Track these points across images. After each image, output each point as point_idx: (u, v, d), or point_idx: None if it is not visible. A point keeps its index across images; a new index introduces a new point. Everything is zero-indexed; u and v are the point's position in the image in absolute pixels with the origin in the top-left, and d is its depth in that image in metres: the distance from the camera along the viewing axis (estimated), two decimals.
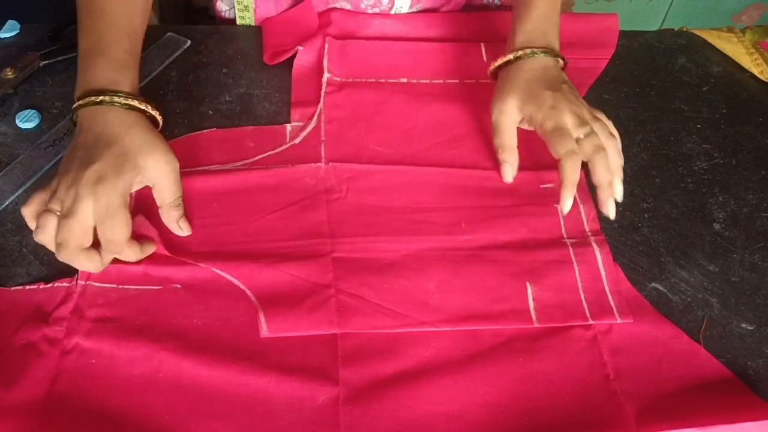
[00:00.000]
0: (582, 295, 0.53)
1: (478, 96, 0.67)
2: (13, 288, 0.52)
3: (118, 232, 0.49)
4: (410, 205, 0.58)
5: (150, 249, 0.53)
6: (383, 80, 0.68)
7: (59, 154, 0.60)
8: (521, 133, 0.60)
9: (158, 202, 0.53)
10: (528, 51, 0.60)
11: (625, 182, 0.61)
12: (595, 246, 0.56)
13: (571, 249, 0.56)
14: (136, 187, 0.52)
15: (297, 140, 0.62)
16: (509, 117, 0.58)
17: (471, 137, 0.64)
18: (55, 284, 0.52)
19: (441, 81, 0.69)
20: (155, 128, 0.54)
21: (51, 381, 0.47)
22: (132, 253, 0.51)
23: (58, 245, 0.48)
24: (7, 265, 0.53)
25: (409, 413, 0.47)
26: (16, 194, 0.57)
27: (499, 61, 0.61)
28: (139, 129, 0.52)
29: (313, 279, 0.53)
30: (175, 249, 0.54)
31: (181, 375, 0.47)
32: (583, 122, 0.55)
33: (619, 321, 0.51)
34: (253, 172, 0.59)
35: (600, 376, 0.49)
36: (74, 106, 0.53)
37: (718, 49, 0.75)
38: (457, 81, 0.69)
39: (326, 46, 0.69)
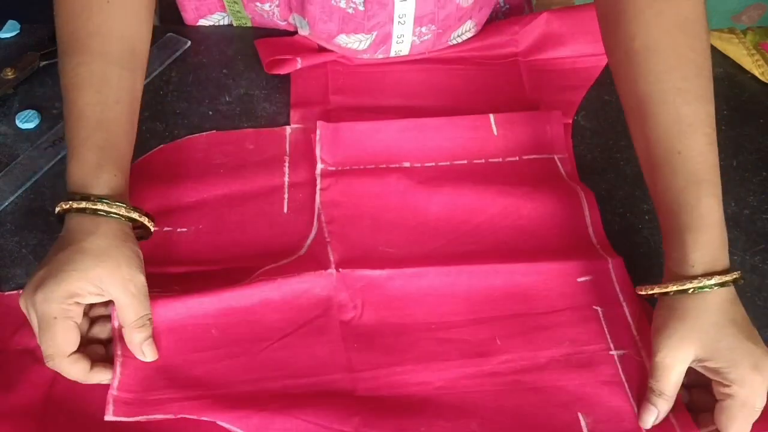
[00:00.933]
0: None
1: (490, 178, 0.60)
2: (7, 293, 0.52)
3: (49, 345, 0.44)
4: (434, 319, 0.51)
5: (105, 376, 0.46)
6: (383, 166, 0.61)
7: (59, 154, 0.60)
8: (545, 214, 0.57)
9: (120, 321, 0.47)
10: (714, 281, 0.45)
11: (626, 184, 0.61)
12: (645, 356, 0.49)
13: (619, 365, 0.49)
14: (91, 300, 0.46)
15: (302, 251, 0.55)
16: (681, 365, 0.45)
17: (490, 227, 0.57)
18: None
19: (448, 163, 0.61)
20: (128, 236, 0.48)
21: (49, 386, 0.47)
22: (75, 371, 0.45)
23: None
24: (6, 266, 0.53)
25: None
26: (16, 194, 0.57)
27: (673, 288, 0.47)
28: (100, 236, 0.46)
29: (336, 426, 0.45)
30: (171, 395, 0.47)
31: None
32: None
33: None
34: (255, 285, 0.51)
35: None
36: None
37: (719, 50, 0.75)
38: (466, 162, 0.62)
39: (317, 131, 0.61)
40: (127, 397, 0.46)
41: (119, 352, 0.47)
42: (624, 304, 0.52)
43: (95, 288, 0.45)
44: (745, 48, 0.75)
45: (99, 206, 0.46)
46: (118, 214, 0.47)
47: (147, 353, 0.47)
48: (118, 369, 0.46)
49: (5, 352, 0.48)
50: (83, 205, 0.46)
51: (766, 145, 0.65)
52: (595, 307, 0.52)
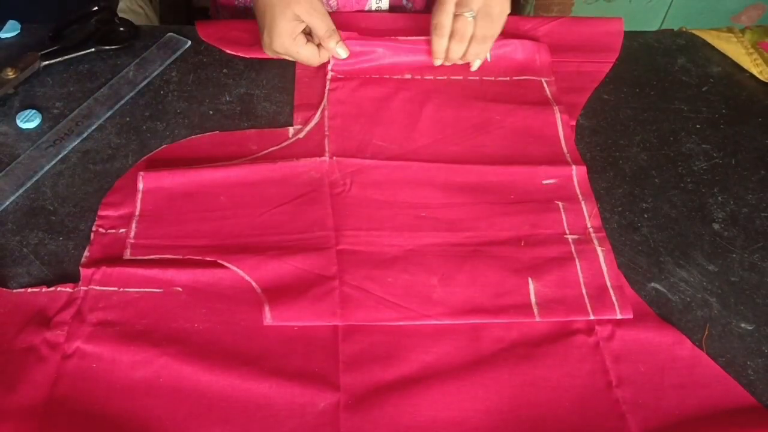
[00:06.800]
0: (583, 291, 0.53)
1: (480, 93, 0.68)
2: (15, 290, 0.52)
3: (306, 58, 0.66)
4: (413, 200, 0.59)
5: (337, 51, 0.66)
6: (387, 76, 0.69)
7: (60, 153, 0.60)
8: (524, 126, 0.65)
9: (316, 39, 0.66)
10: None
11: (625, 182, 0.61)
12: (596, 243, 0.56)
13: (572, 246, 0.56)
14: (300, 27, 0.64)
15: (301, 135, 0.63)
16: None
17: (473, 132, 0.64)
18: (58, 288, 0.52)
19: (445, 77, 0.69)
20: None
21: (51, 385, 0.47)
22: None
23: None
24: (7, 265, 0.53)
25: (410, 419, 0.47)
26: (17, 194, 0.58)
27: None
28: None
29: (317, 271, 0.53)
30: (181, 242, 0.54)
31: (182, 380, 0.47)
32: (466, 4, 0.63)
33: (619, 316, 0.51)
34: (258, 165, 0.60)
35: (602, 383, 0.49)
36: None
37: (717, 49, 0.75)
38: (461, 78, 0.69)
39: None
40: (143, 243, 0.54)
41: (137, 213, 0.56)
42: (582, 202, 0.59)
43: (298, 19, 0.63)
44: (744, 47, 0.75)
45: None
46: None
47: (341, 52, 0.66)
48: (134, 224, 0.55)
49: (9, 351, 0.48)
50: None
51: (765, 144, 0.66)
52: (556, 201, 0.59)
